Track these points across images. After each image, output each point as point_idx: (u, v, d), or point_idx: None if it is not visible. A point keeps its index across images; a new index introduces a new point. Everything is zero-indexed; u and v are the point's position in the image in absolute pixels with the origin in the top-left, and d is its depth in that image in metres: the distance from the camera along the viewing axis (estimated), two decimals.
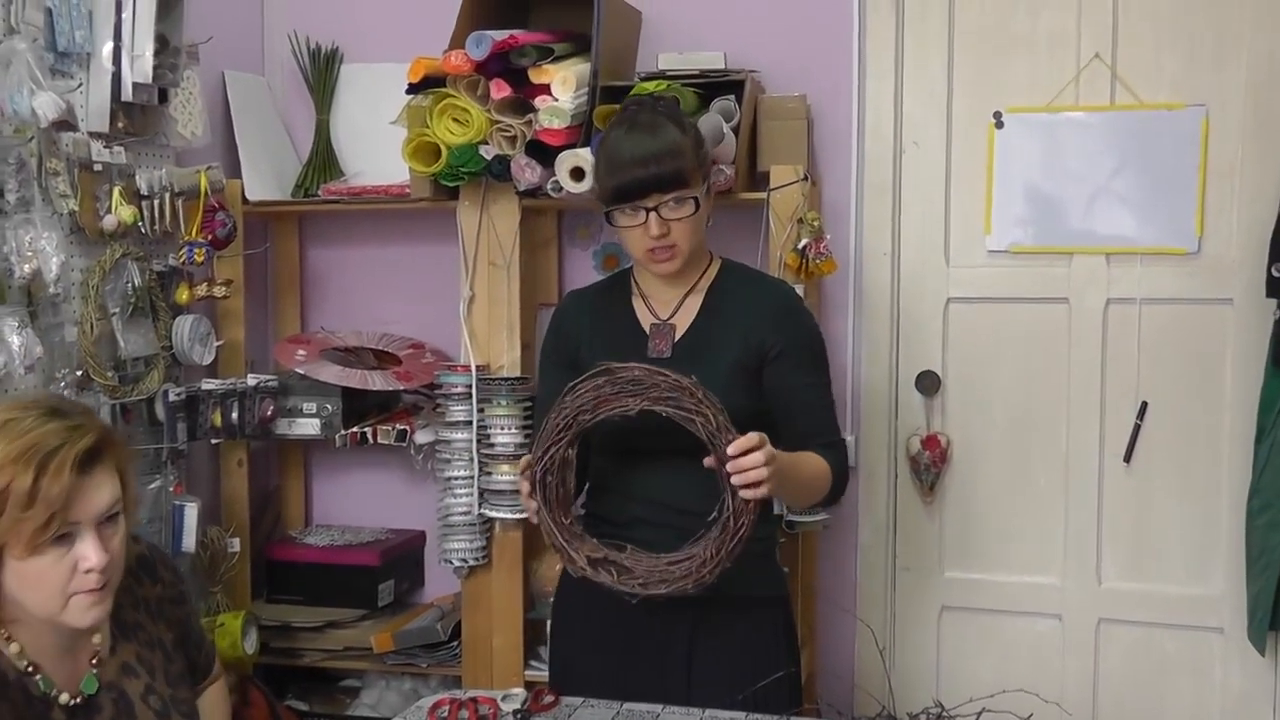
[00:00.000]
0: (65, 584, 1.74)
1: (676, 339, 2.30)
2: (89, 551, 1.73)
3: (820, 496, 2.32)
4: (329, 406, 3.17)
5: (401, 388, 3.22)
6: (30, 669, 1.81)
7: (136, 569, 1.97)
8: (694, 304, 2.33)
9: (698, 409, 2.02)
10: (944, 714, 1.89)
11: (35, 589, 1.74)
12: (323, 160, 3.42)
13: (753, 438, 2.00)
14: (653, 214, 2.21)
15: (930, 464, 3.19)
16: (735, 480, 2.01)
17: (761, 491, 2.01)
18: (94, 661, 1.89)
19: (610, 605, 2.18)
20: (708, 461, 2.04)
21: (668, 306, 2.34)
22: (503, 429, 2.97)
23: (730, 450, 1.99)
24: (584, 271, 3.30)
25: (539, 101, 2.87)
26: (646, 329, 2.33)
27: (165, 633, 2.01)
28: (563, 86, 2.85)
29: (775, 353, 2.27)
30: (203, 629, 2.16)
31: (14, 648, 1.80)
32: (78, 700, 1.85)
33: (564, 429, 2.10)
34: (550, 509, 2.14)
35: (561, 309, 2.50)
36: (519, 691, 2.19)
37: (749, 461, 1.99)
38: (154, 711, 1.93)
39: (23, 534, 1.69)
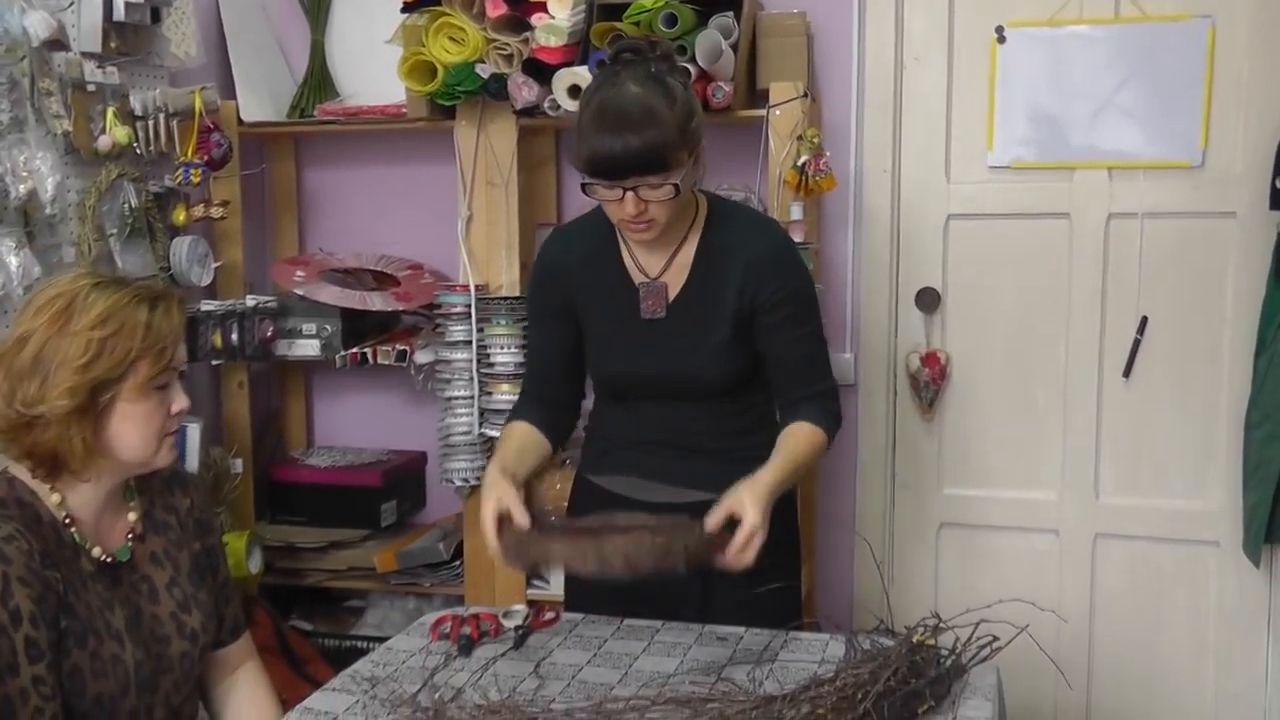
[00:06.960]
0: (162, 426, 1.93)
1: (670, 299, 2.22)
2: (181, 396, 1.95)
3: (816, 462, 2.31)
4: (328, 327, 3.16)
5: (401, 308, 3.22)
6: (67, 520, 1.89)
7: (170, 479, 2.08)
8: (685, 258, 2.22)
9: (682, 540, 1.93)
10: (940, 625, 1.90)
11: (141, 429, 1.89)
12: (318, 80, 3.39)
13: (743, 531, 1.95)
14: (630, 193, 2.06)
15: (929, 381, 3.19)
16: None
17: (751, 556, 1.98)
18: (129, 536, 1.98)
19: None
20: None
21: (657, 263, 2.23)
22: (502, 348, 2.98)
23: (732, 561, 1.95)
24: None
25: (536, 19, 2.84)
26: (638, 285, 2.24)
27: (192, 542, 2.07)
28: (560, 4, 2.81)
29: (770, 304, 2.19)
30: (232, 586, 2.18)
31: (55, 498, 1.89)
32: (108, 559, 1.93)
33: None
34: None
35: (549, 256, 2.33)
36: (520, 608, 2.21)
37: (751, 551, 1.96)
38: (175, 602, 1.99)
39: (141, 372, 1.86)
